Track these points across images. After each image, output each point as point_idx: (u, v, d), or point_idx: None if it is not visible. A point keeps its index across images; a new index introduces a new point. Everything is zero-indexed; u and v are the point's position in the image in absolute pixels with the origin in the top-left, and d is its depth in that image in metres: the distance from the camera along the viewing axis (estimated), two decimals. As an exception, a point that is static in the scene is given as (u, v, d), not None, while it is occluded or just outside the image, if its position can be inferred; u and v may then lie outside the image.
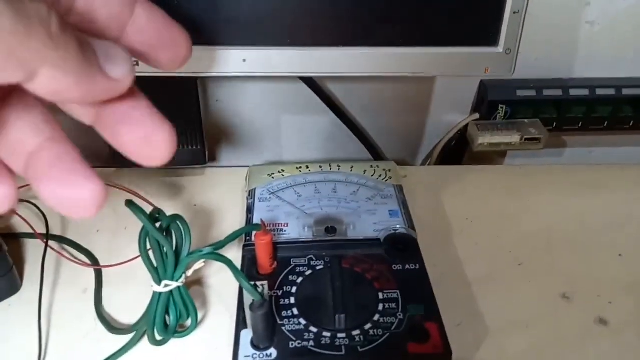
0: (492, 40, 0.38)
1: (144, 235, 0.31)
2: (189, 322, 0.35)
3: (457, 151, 0.57)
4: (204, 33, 0.36)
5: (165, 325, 0.34)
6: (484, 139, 0.52)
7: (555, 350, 0.36)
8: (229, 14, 0.36)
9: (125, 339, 0.35)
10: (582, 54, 0.54)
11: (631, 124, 0.55)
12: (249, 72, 0.38)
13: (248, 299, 0.31)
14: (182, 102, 0.47)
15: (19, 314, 0.37)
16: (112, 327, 0.36)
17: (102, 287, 0.39)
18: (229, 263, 0.30)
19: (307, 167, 0.47)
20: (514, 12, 0.37)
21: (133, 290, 0.38)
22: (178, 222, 0.32)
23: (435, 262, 0.39)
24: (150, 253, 0.32)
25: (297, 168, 0.46)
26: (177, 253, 0.32)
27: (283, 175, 0.46)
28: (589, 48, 0.53)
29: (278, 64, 0.38)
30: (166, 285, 0.32)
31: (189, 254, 0.32)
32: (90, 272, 0.40)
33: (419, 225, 0.41)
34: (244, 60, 0.37)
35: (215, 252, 0.31)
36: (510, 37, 0.38)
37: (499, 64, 0.39)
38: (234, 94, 0.53)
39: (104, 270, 0.40)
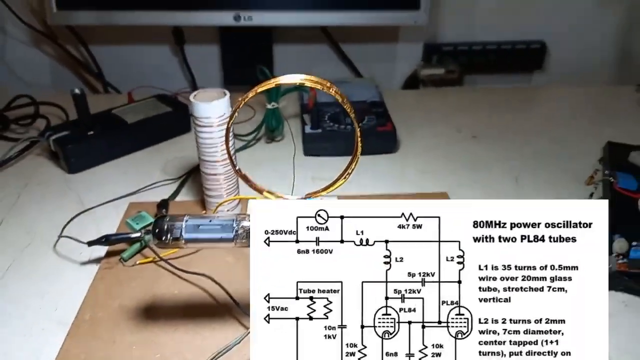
0: (416, 7, 0.82)
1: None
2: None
3: (414, 82, 1.00)
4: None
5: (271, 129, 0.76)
6: (424, 72, 0.96)
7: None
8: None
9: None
10: (478, 26, 0.98)
11: (510, 66, 0.99)
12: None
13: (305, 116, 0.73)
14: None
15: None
16: (240, 135, 0.78)
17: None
18: (298, 89, 0.73)
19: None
20: (425, -6, 0.81)
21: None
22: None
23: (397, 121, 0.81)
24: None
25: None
26: (276, 90, 0.74)
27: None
28: (483, 21, 0.97)
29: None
30: (273, 105, 0.74)
31: (281, 89, 0.74)
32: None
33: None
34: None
35: (289, 89, 0.74)
36: (425, 6, 0.82)
37: (421, 18, 0.83)
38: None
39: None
